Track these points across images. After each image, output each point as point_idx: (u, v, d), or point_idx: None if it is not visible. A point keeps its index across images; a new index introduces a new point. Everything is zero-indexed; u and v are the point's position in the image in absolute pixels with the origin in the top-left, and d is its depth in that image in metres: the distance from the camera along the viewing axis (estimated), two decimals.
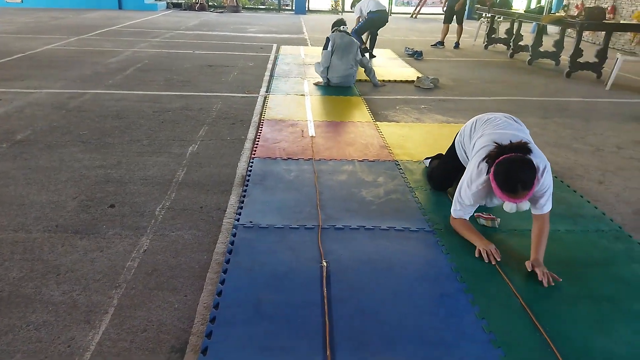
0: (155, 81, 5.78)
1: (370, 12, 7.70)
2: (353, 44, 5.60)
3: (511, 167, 2.09)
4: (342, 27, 5.75)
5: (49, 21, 11.47)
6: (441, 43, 9.56)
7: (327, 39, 5.63)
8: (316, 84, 5.84)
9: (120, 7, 15.44)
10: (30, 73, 5.95)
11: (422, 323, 1.86)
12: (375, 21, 7.80)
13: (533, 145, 2.28)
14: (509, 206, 2.11)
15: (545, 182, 2.21)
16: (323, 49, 5.65)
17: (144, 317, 1.86)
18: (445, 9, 9.56)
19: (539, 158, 2.22)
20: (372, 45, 8.10)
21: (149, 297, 1.98)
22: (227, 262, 2.19)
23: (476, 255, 2.32)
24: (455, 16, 9.38)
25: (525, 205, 2.14)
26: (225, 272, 2.12)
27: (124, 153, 3.49)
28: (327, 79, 5.71)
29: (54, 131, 3.91)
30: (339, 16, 6.12)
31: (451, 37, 9.64)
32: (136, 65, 6.68)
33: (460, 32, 9.57)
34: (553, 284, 2.08)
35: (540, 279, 2.10)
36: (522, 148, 2.17)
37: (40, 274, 2.10)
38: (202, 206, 2.76)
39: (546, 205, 2.25)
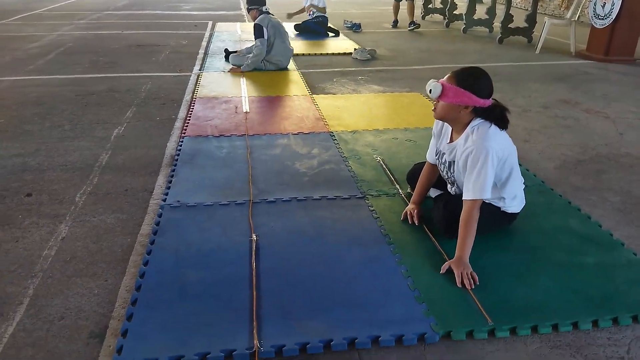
0: (80, 64, 5.46)
1: None
2: (279, 22, 5.34)
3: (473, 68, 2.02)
4: (264, 7, 5.24)
5: None
6: (413, 23, 8.19)
7: (259, 27, 5.09)
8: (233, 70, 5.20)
9: None
10: None
11: (350, 287, 1.87)
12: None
13: (498, 132, 2.00)
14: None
15: (475, 156, 1.94)
16: (257, 38, 5.08)
17: (61, 305, 1.77)
18: None
19: (488, 141, 1.94)
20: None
21: (67, 284, 1.88)
22: (152, 243, 2.12)
23: (402, 218, 2.35)
24: None
25: (430, 85, 1.98)
26: (149, 253, 2.04)
27: (43, 140, 3.28)
28: (273, 64, 5.25)
29: None
30: None
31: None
32: (59, 49, 6.29)
33: (412, 9, 8.21)
34: (472, 287, 1.84)
35: (458, 283, 1.85)
36: (500, 114, 2.00)
37: None
38: (127, 189, 2.64)
39: (469, 189, 1.95)
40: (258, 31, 5.10)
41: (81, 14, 9.66)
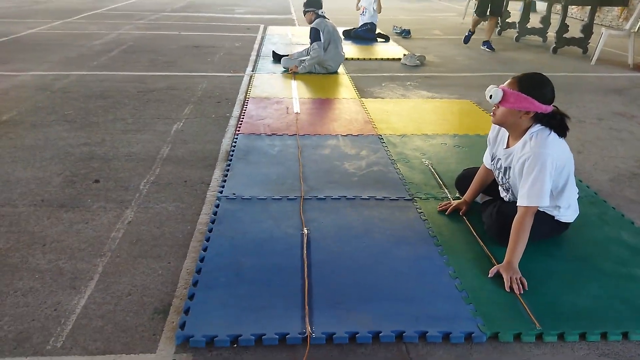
0: (140, 62, 5.76)
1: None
2: (335, 27, 5.45)
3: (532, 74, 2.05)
4: (320, 10, 5.36)
5: (31, 5, 11.28)
6: (488, 43, 7.14)
7: (316, 30, 5.19)
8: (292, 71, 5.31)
9: None
10: (14, 56, 5.90)
11: (398, 283, 1.93)
12: None
13: (557, 139, 2.02)
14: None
15: (532, 162, 1.96)
16: (313, 42, 5.19)
17: (128, 283, 1.91)
18: None
19: (547, 148, 1.96)
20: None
21: (133, 264, 2.03)
22: (210, 231, 2.24)
23: (440, 207, 2.49)
24: (490, 6, 7.02)
25: (491, 90, 2.00)
26: (207, 240, 2.17)
27: (108, 131, 3.51)
28: (324, 67, 5.35)
29: (39, 111, 3.92)
30: None
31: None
32: (121, 47, 6.64)
33: (492, 27, 7.27)
34: (521, 292, 1.85)
35: (507, 288, 1.87)
36: (560, 121, 2.01)
37: (27, 245, 2.14)
38: (186, 180, 2.80)
39: (524, 195, 1.97)
40: (315, 35, 5.21)
41: (140, 14, 10.13)
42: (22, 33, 7.51)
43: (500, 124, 2.11)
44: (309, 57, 5.30)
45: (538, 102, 1.96)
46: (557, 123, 2.01)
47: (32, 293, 1.85)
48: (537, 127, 2.02)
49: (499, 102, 2.00)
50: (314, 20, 5.31)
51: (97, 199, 2.56)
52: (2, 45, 6.60)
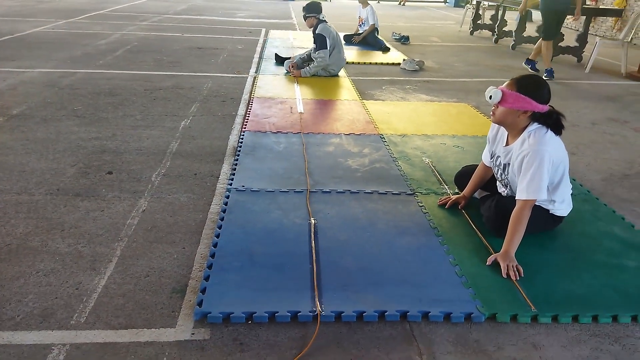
0: (145, 62, 5.86)
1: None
2: (337, 32, 5.56)
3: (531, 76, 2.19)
4: (321, 15, 5.44)
5: (35, 5, 11.38)
6: (550, 72, 5.91)
7: (323, 38, 5.27)
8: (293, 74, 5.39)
9: None
10: (20, 54, 5.99)
11: (401, 269, 2.04)
12: None
13: (553, 137, 2.14)
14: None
15: (531, 158, 2.08)
16: (320, 49, 5.30)
17: (146, 265, 2.01)
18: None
19: (545, 145, 2.08)
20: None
21: (150, 248, 2.13)
22: (222, 220, 2.35)
23: (440, 201, 2.59)
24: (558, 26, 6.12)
25: (491, 91, 2.12)
26: (220, 227, 2.27)
27: (118, 126, 3.61)
28: (327, 71, 5.47)
29: (49, 106, 4.01)
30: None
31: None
32: (126, 47, 6.74)
33: (548, 52, 6.05)
34: (517, 279, 1.96)
35: (503, 274, 1.99)
36: (556, 120, 2.13)
37: (45, 230, 2.23)
38: (197, 173, 2.90)
39: (523, 189, 2.09)
40: (321, 42, 5.31)
41: (143, 15, 10.25)
42: (27, 31, 7.60)
43: (500, 123, 2.24)
44: (314, 64, 5.41)
45: (535, 102, 2.09)
46: (553, 122, 2.14)
47: (54, 274, 1.94)
48: (535, 126, 2.15)
49: (499, 102, 2.13)
50: (316, 25, 5.42)
51: (111, 189, 2.66)
52: (8, 42, 6.69)
